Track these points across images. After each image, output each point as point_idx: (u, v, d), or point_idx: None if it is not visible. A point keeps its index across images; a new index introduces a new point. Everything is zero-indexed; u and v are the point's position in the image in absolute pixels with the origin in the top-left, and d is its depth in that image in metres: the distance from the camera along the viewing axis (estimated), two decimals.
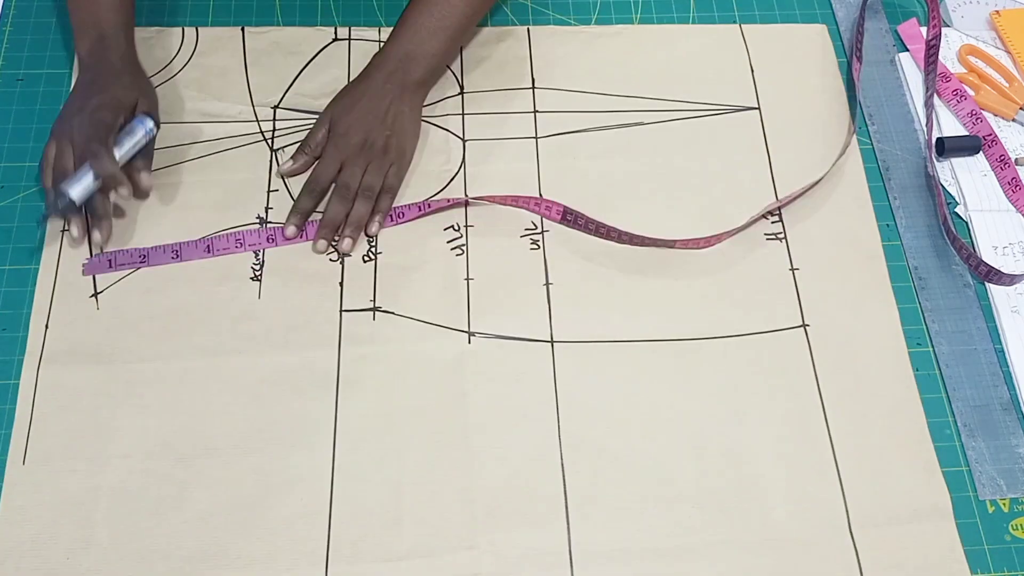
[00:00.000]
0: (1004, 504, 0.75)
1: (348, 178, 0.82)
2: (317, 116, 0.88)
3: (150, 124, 0.81)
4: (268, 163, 0.87)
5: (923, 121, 0.92)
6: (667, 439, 0.76)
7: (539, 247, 0.84)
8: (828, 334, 0.81)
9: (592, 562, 0.71)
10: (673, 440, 0.76)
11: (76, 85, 0.84)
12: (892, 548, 0.72)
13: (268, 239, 0.82)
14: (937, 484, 0.75)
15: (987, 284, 0.83)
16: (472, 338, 0.79)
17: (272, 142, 0.88)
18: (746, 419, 0.77)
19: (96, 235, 0.79)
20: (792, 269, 0.84)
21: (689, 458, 0.75)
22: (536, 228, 0.84)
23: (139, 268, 0.80)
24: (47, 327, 0.78)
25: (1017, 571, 0.72)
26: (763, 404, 0.77)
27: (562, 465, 0.74)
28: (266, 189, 0.85)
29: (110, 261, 0.80)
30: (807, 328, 0.81)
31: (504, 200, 0.84)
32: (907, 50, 0.97)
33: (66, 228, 0.80)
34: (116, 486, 0.72)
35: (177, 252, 0.81)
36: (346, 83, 0.89)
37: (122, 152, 0.79)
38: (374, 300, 0.80)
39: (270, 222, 0.84)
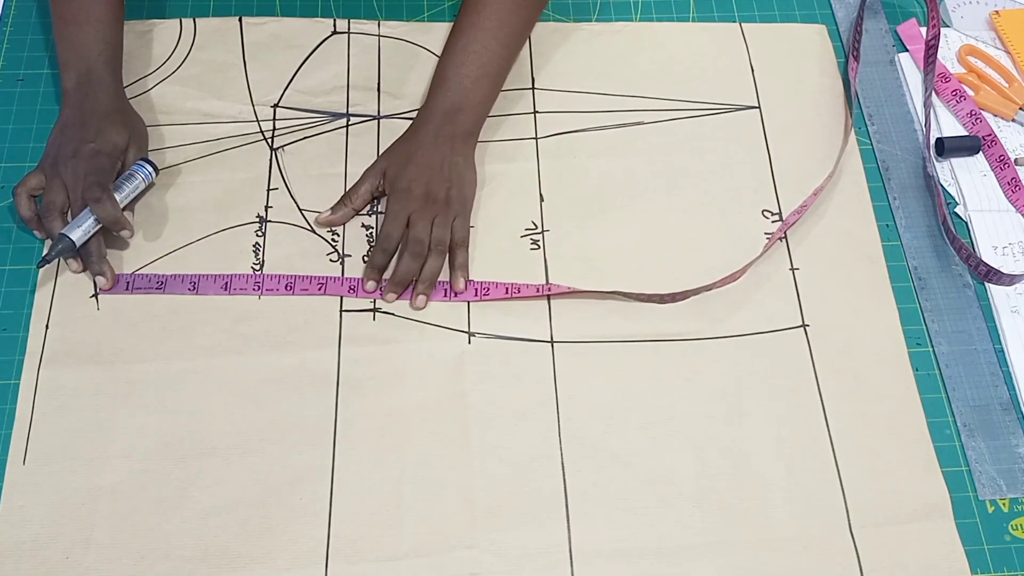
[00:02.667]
0: (1004, 504, 0.75)
1: (419, 233, 0.80)
2: (316, 113, 0.88)
3: (149, 169, 0.82)
4: (268, 162, 0.87)
5: (922, 121, 0.92)
6: (667, 439, 0.76)
7: (539, 247, 0.84)
8: (828, 334, 0.81)
9: (592, 561, 0.71)
10: (673, 440, 0.76)
11: (65, 122, 0.81)
12: (892, 548, 0.72)
13: (287, 286, 0.80)
14: (937, 484, 0.75)
15: (987, 284, 0.83)
16: (472, 338, 0.79)
17: (272, 141, 0.88)
18: (746, 419, 0.77)
19: (101, 280, 0.79)
20: (792, 269, 0.84)
21: (689, 458, 0.75)
22: (536, 228, 0.85)
23: (155, 294, 0.80)
24: (47, 327, 0.78)
25: (1017, 571, 0.73)
26: (763, 404, 0.77)
27: (562, 464, 0.74)
28: (266, 188, 0.86)
29: (128, 284, 0.80)
30: (807, 328, 0.81)
31: (586, 295, 0.81)
32: (907, 50, 0.97)
33: (65, 262, 0.80)
34: (116, 486, 0.72)
35: (195, 285, 0.80)
36: (345, 80, 0.90)
37: (123, 196, 0.80)
38: (374, 301, 0.81)
39: (270, 220, 0.84)
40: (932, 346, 0.81)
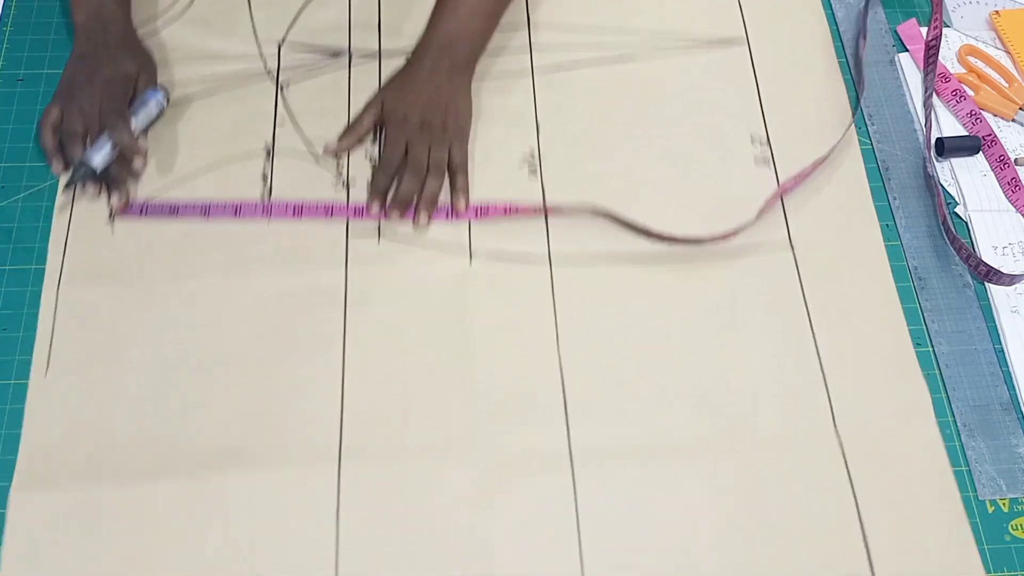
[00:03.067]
0: (1004, 504, 0.75)
1: (418, 155, 0.84)
2: (320, 51, 0.93)
3: (161, 97, 0.86)
4: (274, 98, 0.90)
5: (922, 121, 0.92)
6: (662, 349, 0.79)
7: (536, 173, 0.87)
8: (814, 254, 0.84)
9: (590, 459, 0.74)
10: (668, 351, 0.79)
11: (78, 54, 0.85)
12: (875, 444, 0.76)
13: (295, 212, 0.84)
14: (918, 386, 0.79)
15: (987, 284, 0.83)
16: (473, 259, 0.83)
17: (278, 79, 0.91)
18: (738, 332, 0.80)
19: (115, 200, 0.82)
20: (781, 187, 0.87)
21: (684, 366, 0.78)
22: (533, 155, 0.88)
23: (168, 219, 0.83)
24: (65, 250, 0.82)
25: (1017, 571, 0.72)
26: (754, 319, 0.81)
27: (561, 373, 0.78)
28: (272, 122, 0.89)
29: (142, 209, 0.83)
30: (794, 248, 0.84)
31: (581, 212, 0.84)
32: (907, 50, 0.97)
33: (83, 187, 0.83)
34: (136, 393, 0.76)
35: (206, 210, 0.84)
36: (348, 18, 0.95)
37: (137, 122, 0.84)
38: (379, 225, 0.84)
39: (277, 152, 0.87)
40: (932, 346, 0.81)
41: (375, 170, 0.85)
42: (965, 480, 0.75)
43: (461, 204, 0.84)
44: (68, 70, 0.85)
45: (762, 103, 0.92)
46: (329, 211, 0.84)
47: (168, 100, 0.87)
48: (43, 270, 0.81)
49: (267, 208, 0.84)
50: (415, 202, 0.84)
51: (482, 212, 0.84)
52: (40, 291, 0.80)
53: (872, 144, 0.91)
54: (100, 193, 0.83)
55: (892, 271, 0.84)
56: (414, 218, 0.83)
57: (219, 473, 0.73)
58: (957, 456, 0.76)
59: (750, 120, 0.91)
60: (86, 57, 0.85)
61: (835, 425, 0.77)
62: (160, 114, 0.87)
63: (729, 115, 0.91)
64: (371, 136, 0.89)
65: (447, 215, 0.84)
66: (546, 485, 0.74)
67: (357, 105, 0.90)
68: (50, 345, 0.77)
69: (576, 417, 0.76)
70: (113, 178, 0.83)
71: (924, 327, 0.82)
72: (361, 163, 0.87)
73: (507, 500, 0.73)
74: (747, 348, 0.80)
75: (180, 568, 0.70)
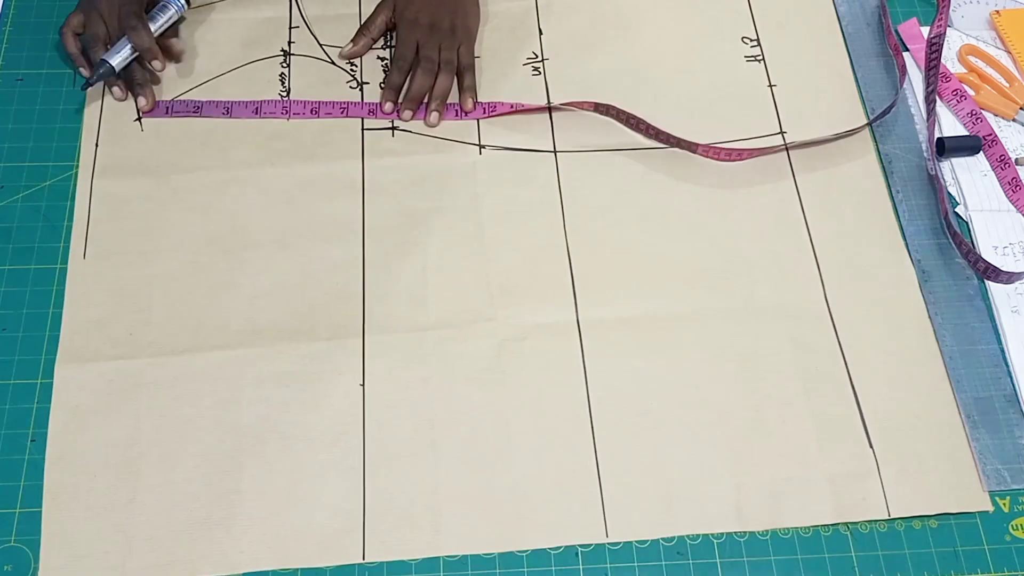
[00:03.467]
0: (1004, 504, 0.75)
1: (429, 52, 0.90)
2: None
3: (182, 1, 0.89)
4: (288, 3, 0.96)
5: (924, 119, 0.92)
6: (661, 229, 0.85)
7: (540, 73, 0.93)
8: (808, 152, 0.89)
9: (596, 327, 0.80)
10: (667, 229, 0.85)
11: None
12: (860, 303, 0.82)
13: (312, 111, 0.90)
14: (900, 256, 0.84)
15: (988, 284, 0.83)
16: (483, 150, 0.89)
17: None
18: (733, 212, 0.86)
19: (141, 101, 0.88)
20: (770, 85, 0.93)
21: (681, 243, 0.84)
22: (537, 57, 0.95)
23: (192, 117, 0.89)
24: (97, 145, 0.87)
25: (1017, 571, 0.73)
26: (748, 201, 0.87)
27: (568, 252, 0.84)
28: (288, 26, 0.95)
29: (167, 108, 0.89)
30: (784, 134, 0.90)
31: (581, 106, 0.90)
32: (908, 50, 0.97)
33: (109, 90, 0.89)
34: (169, 274, 0.81)
35: (228, 109, 0.90)
36: None
37: (156, 26, 0.88)
38: (392, 121, 0.90)
39: (293, 54, 0.94)
40: (937, 341, 0.81)
41: (388, 69, 0.91)
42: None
43: (469, 103, 0.90)
44: None
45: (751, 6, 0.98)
46: (345, 110, 0.90)
47: (188, 5, 0.90)
48: (43, 270, 0.81)
49: (286, 107, 0.89)
50: (427, 100, 0.90)
51: (490, 110, 0.90)
52: (41, 290, 0.80)
53: (876, 142, 0.91)
54: (125, 96, 0.88)
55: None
56: (425, 116, 0.89)
57: (250, 348, 0.78)
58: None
59: (740, 24, 0.97)
60: None
61: (825, 296, 0.82)
62: (180, 19, 0.90)
63: (720, 20, 0.97)
64: (383, 39, 0.94)
65: (456, 114, 0.90)
66: (556, 354, 0.79)
67: (367, 8, 0.95)
68: (87, 232, 0.83)
69: (583, 291, 0.82)
70: (137, 80, 0.88)
71: (928, 323, 0.82)
72: (373, 65, 0.93)
73: (520, 368, 0.78)
74: (743, 227, 0.85)
75: (215, 434, 0.75)
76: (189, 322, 0.79)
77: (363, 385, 0.77)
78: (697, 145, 0.87)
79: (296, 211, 0.85)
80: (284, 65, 0.93)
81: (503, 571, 0.71)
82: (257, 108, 0.89)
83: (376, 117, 0.89)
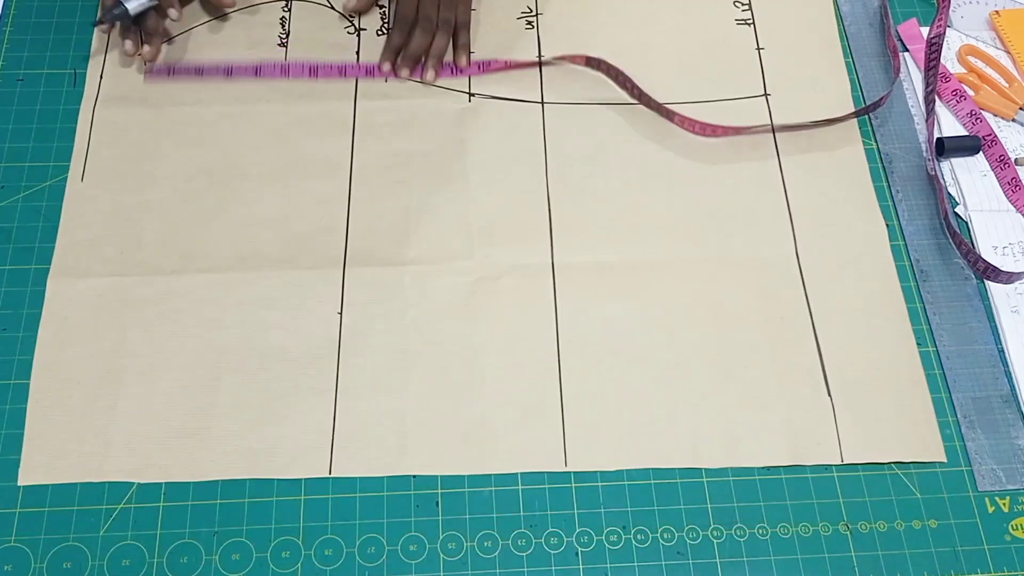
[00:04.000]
0: (1004, 504, 0.75)
1: (428, 11, 0.91)
2: None
3: None
4: None
5: (924, 118, 0.92)
6: (642, 181, 0.87)
7: (533, 27, 0.96)
8: (786, 102, 0.92)
9: (570, 271, 0.82)
10: (645, 183, 0.87)
11: None
12: (831, 259, 0.84)
13: (311, 71, 0.92)
14: (875, 219, 0.86)
15: (987, 284, 0.84)
16: (472, 98, 0.92)
17: None
18: (712, 167, 0.88)
19: (146, 49, 0.89)
20: (758, 49, 0.95)
21: (659, 196, 0.87)
22: (531, 11, 0.97)
23: (194, 79, 0.90)
24: (101, 76, 0.91)
25: (1017, 571, 0.73)
26: (726, 157, 0.89)
27: (548, 198, 0.86)
28: None
29: (170, 70, 0.91)
30: (768, 98, 0.93)
31: (574, 59, 0.92)
32: (907, 50, 0.97)
33: (123, 42, 0.89)
34: (162, 200, 0.85)
35: (229, 70, 0.91)
36: None
37: None
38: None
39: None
40: (934, 343, 0.81)
41: (390, 28, 0.93)
42: (965, 480, 0.76)
43: (463, 60, 0.92)
44: None
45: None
46: (343, 71, 0.91)
47: None
48: (43, 270, 0.81)
49: (285, 68, 0.91)
50: (424, 59, 0.92)
51: (484, 67, 0.92)
52: (41, 290, 0.80)
53: (875, 143, 0.91)
54: (136, 51, 0.89)
55: (896, 266, 0.85)
56: (422, 73, 0.91)
57: (235, 272, 0.81)
58: (957, 455, 0.77)
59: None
60: None
61: (796, 251, 0.84)
62: None
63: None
64: None
65: (452, 71, 0.92)
66: (529, 294, 0.82)
67: None
68: (86, 156, 0.86)
69: (559, 236, 0.84)
70: (148, 28, 0.89)
71: (925, 327, 0.82)
72: (371, 14, 0.96)
73: (493, 306, 0.81)
74: (721, 183, 0.88)
75: (196, 350, 0.78)
76: (178, 245, 0.82)
77: (341, 314, 0.80)
78: (674, 114, 0.89)
79: (287, 147, 0.87)
80: (286, 9, 0.96)
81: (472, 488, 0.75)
82: (257, 70, 0.91)
83: (374, 77, 0.91)
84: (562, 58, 0.92)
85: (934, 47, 0.95)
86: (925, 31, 0.97)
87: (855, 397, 0.78)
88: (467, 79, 0.92)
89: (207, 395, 0.76)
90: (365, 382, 0.77)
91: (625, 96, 0.92)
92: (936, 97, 0.93)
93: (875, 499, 0.75)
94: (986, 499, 0.75)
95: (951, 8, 0.99)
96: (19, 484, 0.73)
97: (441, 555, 0.72)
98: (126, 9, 0.87)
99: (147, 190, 0.85)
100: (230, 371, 0.77)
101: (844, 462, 0.76)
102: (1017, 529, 0.74)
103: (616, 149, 0.89)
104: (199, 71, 0.91)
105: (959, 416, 0.78)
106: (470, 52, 0.93)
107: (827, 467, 0.76)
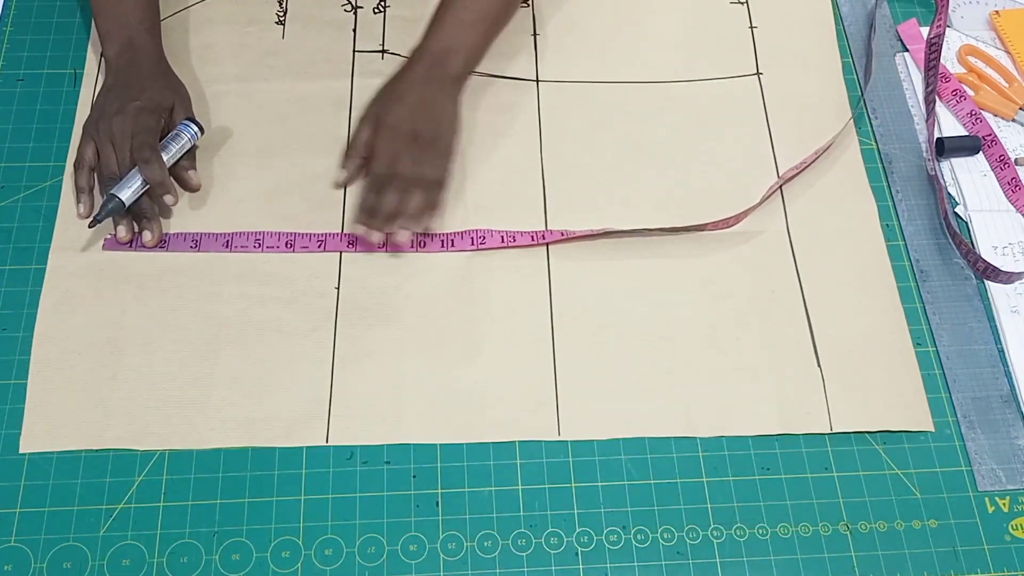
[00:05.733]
0: (1004, 504, 0.75)
1: (403, 169, 0.83)
2: None
3: (195, 129, 0.84)
4: None
5: (924, 119, 0.92)
6: (634, 157, 0.88)
7: (528, 4, 0.97)
8: (777, 83, 0.93)
9: (564, 245, 0.84)
10: (640, 158, 0.88)
11: (109, 85, 0.85)
12: (821, 234, 0.85)
13: (287, 244, 0.83)
14: (863, 190, 0.88)
15: (987, 284, 0.84)
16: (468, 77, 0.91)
17: None
18: (704, 144, 0.90)
19: (147, 235, 0.82)
20: (752, 27, 0.97)
21: (652, 170, 0.88)
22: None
23: (159, 251, 0.83)
24: (99, 72, 0.90)
25: (1017, 571, 0.73)
26: (719, 133, 0.90)
27: (543, 173, 0.88)
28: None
29: (132, 243, 0.83)
30: (760, 76, 0.94)
31: (583, 236, 0.84)
32: (907, 50, 0.97)
33: (115, 228, 0.82)
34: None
35: (197, 242, 0.83)
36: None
37: (169, 156, 0.82)
38: (383, 44, 0.94)
39: None
40: (934, 343, 0.81)
41: (363, 187, 0.84)
42: (965, 479, 0.76)
43: (435, 225, 0.84)
44: (98, 100, 0.85)
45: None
46: (322, 243, 0.83)
47: (202, 132, 0.84)
48: (43, 270, 0.81)
49: (259, 239, 0.83)
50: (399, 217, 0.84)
51: (478, 240, 0.84)
52: (40, 290, 0.80)
53: (874, 143, 0.91)
54: (131, 237, 0.81)
55: (893, 272, 0.85)
56: (393, 234, 0.82)
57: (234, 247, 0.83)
58: (957, 455, 0.77)
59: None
60: (115, 89, 0.84)
61: (787, 225, 0.86)
62: (193, 147, 0.85)
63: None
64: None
65: (443, 244, 0.83)
66: (524, 267, 0.83)
67: None
68: (82, 139, 0.85)
69: (554, 210, 0.85)
70: (145, 214, 0.81)
71: (925, 327, 0.82)
72: None
73: (488, 279, 0.82)
74: (713, 158, 0.89)
75: (195, 323, 0.79)
76: (176, 223, 0.83)
77: (338, 288, 0.81)
78: (705, 225, 0.84)
79: (284, 124, 0.88)
80: None
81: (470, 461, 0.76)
82: (227, 242, 0.83)
83: (355, 250, 0.83)
84: (570, 237, 0.84)
85: (934, 47, 0.95)
86: (925, 31, 0.97)
87: (844, 368, 0.79)
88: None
89: (206, 365, 0.77)
90: (361, 353, 0.78)
91: (619, 74, 0.93)
92: (936, 97, 0.93)
93: (875, 499, 0.75)
94: (986, 499, 0.75)
95: (951, 8, 0.99)
96: (21, 452, 0.74)
97: (441, 555, 0.72)
98: (121, 201, 0.80)
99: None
100: (228, 342, 0.78)
101: (833, 431, 0.77)
102: (1017, 529, 0.74)
103: (609, 126, 0.90)
104: (196, 244, 0.83)
105: (959, 416, 0.78)
106: (443, 213, 0.84)
107: (827, 467, 0.76)
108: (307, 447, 0.75)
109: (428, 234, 0.84)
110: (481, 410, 0.77)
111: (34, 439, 0.74)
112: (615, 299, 0.82)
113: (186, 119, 0.84)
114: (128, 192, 0.80)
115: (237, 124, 0.88)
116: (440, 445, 0.76)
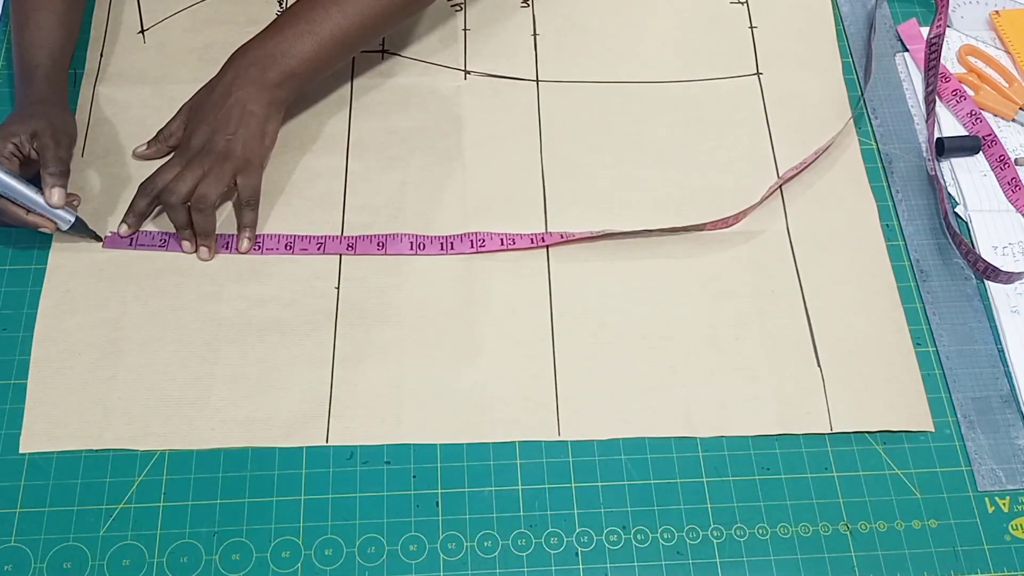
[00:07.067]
0: (1004, 504, 0.75)
1: (176, 185, 0.78)
2: None
3: (65, 219, 0.78)
4: None
5: (924, 119, 0.92)
6: (635, 157, 0.89)
7: (528, 5, 0.97)
8: (777, 81, 0.94)
9: (565, 246, 0.83)
10: (640, 158, 0.89)
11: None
12: (821, 233, 0.85)
13: (286, 246, 0.83)
14: (863, 190, 0.88)
15: (987, 284, 0.84)
16: (468, 75, 0.93)
17: None
18: (704, 143, 0.90)
19: (124, 227, 0.81)
20: (750, 24, 0.97)
21: (652, 170, 0.88)
22: None
23: (160, 249, 0.83)
24: (101, 55, 0.92)
25: (1017, 571, 0.73)
26: (720, 132, 0.90)
27: (543, 173, 0.88)
28: None
29: (131, 241, 0.83)
30: (760, 76, 0.94)
31: (583, 238, 0.84)
32: (907, 50, 0.97)
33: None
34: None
35: (165, 241, 0.83)
36: None
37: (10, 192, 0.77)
38: (383, 44, 0.94)
39: None
40: (934, 343, 0.81)
41: (138, 188, 0.81)
42: (965, 479, 0.76)
43: (244, 245, 0.81)
44: None
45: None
46: (321, 247, 0.83)
47: (71, 225, 0.79)
48: (43, 270, 0.81)
49: (259, 243, 0.82)
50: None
51: (478, 244, 0.83)
52: (40, 290, 0.80)
53: (874, 143, 0.91)
54: (134, 229, 0.82)
55: (893, 272, 0.85)
56: (197, 250, 0.81)
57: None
58: (957, 455, 0.77)
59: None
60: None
61: (787, 224, 0.86)
62: (66, 229, 0.79)
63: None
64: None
65: (443, 247, 0.83)
66: (524, 268, 0.83)
67: None
68: (86, 132, 0.87)
69: (554, 211, 0.85)
70: (136, 210, 0.81)
71: (925, 327, 0.82)
72: None
73: (488, 279, 0.82)
74: (713, 158, 0.89)
75: (195, 323, 0.79)
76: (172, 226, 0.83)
77: (338, 288, 0.81)
78: (704, 225, 0.84)
79: (284, 124, 0.87)
80: None
81: (471, 462, 0.76)
82: (227, 243, 0.82)
83: (354, 253, 0.82)
84: (571, 238, 0.84)
85: (934, 47, 0.95)
86: (925, 31, 0.97)
87: (844, 368, 0.79)
88: (463, 56, 0.94)
89: (206, 366, 0.77)
90: (362, 353, 0.78)
91: (618, 73, 0.93)
92: (936, 97, 0.93)
93: (875, 499, 0.75)
94: (986, 499, 0.75)
95: (951, 8, 0.99)
96: (21, 452, 0.74)
97: (441, 555, 0.72)
98: (78, 220, 0.79)
99: (146, 166, 0.85)
100: (228, 342, 0.78)
101: (833, 431, 0.77)
102: (1017, 529, 0.74)
103: (608, 126, 0.90)
104: (164, 243, 0.82)
105: (959, 416, 0.78)
106: (254, 232, 0.82)
107: (827, 467, 0.76)
108: (307, 447, 0.75)
109: (427, 236, 0.83)
110: (481, 410, 0.77)
111: (34, 439, 0.74)
112: (615, 299, 0.82)
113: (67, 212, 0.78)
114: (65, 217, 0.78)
115: None
116: (440, 445, 0.76)
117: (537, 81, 0.93)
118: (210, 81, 0.85)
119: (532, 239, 0.83)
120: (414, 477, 0.74)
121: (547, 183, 0.87)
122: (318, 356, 0.78)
